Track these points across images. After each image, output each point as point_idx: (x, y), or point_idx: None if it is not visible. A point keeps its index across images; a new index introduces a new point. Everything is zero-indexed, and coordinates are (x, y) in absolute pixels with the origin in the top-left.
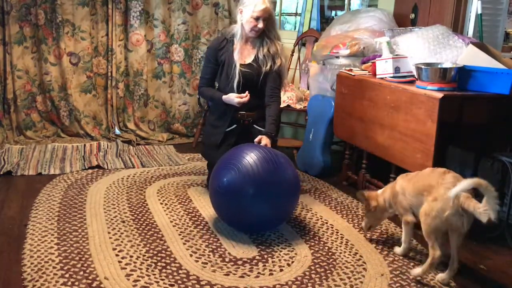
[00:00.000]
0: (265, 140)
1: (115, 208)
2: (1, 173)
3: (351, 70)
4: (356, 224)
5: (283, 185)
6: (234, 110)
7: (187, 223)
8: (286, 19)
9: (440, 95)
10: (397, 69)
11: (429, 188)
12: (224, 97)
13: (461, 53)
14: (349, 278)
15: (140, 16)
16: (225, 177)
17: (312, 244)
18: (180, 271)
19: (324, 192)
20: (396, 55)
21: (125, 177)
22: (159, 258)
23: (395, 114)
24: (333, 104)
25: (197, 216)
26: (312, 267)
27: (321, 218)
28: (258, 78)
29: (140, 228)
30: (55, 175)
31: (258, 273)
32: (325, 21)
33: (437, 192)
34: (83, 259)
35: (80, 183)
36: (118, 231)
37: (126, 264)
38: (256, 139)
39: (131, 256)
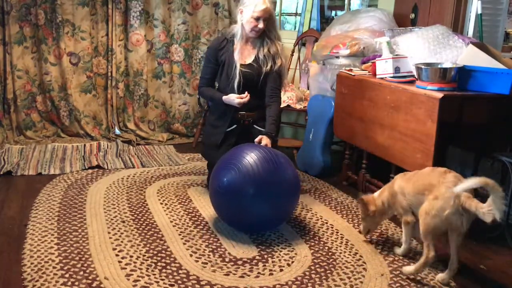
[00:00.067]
0: (265, 140)
1: (115, 208)
2: (1, 173)
3: (351, 70)
4: (356, 224)
5: (283, 185)
6: (234, 110)
7: (187, 223)
8: (286, 19)
9: (440, 95)
10: (397, 69)
11: (430, 187)
12: (224, 97)
13: (461, 53)
14: (349, 278)
15: (140, 16)
16: (225, 177)
17: (312, 244)
18: (180, 271)
19: (324, 192)
20: (396, 55)
21: (125, 177)
22: (159, 258)
23: (395, 114)
24: (333, 104)
25: (197, 216)
26: (312, 267)
27: (321, 218)
28: (258, 78)
29: (140, 228)
30: (55, 175)
31: (258, 273)
32: (325, 21)
33: (438, 191)
34: (83, 259)
35: (80, 183)
36: (118, 231)
37: (126, 264)
38: (257, 139)
39: (131, 256)
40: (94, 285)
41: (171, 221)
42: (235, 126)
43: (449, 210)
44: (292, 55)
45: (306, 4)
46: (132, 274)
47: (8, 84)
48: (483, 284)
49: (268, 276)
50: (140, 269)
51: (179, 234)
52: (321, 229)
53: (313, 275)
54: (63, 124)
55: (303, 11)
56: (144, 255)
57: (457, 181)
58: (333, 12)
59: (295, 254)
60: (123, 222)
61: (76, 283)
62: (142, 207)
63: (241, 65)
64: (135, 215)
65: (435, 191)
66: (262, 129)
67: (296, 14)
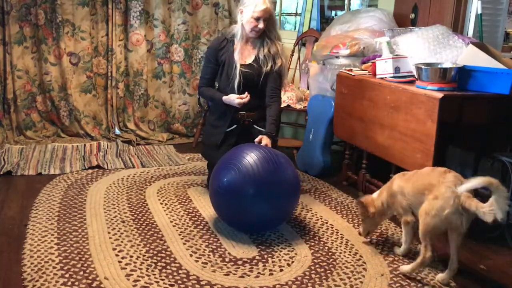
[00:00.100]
0: (265, 140)
1: (115, 208)
2: (1, 173)
3: (351, 70)
4: (356, 224)
5: (283, 185)
6: (234, 111)
7: (187, 223)
8: (286, 19)
9: (440, 95)
10: (397, 69)
11: (430, 187)
12: (224, 97)
13: (461, 53)
14: (349, 278)
15: (140, 16)
16: (225, 177)
17: (312, 244)
18: (180, 271)
19: (324, 192)
20: (396, 55)
21: (125, 177)
22: (159, 258)
23: (395, 114)
24: (333, 104)
25: (197, 216)
26: (312, 267)
27: (321, 218)
28: (258, 78)
29: (140, 228)
30: (55, 175)
31: (258, 273)
32: (325, 21)
33: (438, 190)
34: (83, 259)
35: (80, 183)
36: (118, 231)
37: (126, 264)
38: (257, 139)
39: (131, 256)
40: (94, 285)
41: (171, 221)
42: (235, 126)
43: (448, 209)
44: (292, 55)
45: (306, 4)
46: (132, 274)
47: (8, 84)
48: (483, 284)
49: (268, 276)
50: (140, 269)
51: (179, 234)
52: (321, 229)
53: (313, 275)
54: (63, 124)
55: (303, 11)
56: (144, 255)
57: (457, 181)
58: (333, 12)
59: (295, 254)
60: (123, 222)
61: (76, 283)
62: (142, 207)
63: (241, 65)
64: (135, 215)
65: (435, 191)
66: (262, 129)
67: (296, 14)
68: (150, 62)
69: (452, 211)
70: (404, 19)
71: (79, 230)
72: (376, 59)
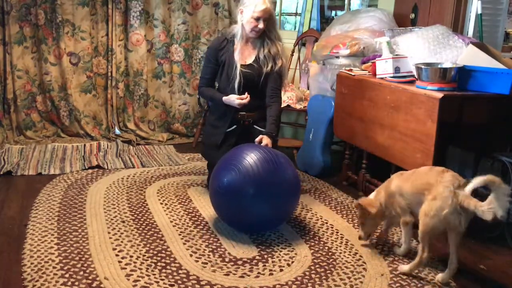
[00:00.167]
0: (266, 140)
1: (115, 208)
2: (1, 173)
3: (351, 70)
4: (356, 224)
5: (283, 185)
6: (234, 111)
7: (187, 223)
8: (286, 19)
9: (440, 95)
10: (397, 69)
11: (428, 186)
12: (224, 98)
13: (461, 53)
14: (349, 278)
15: (140, 16)
16: (225, 177)
17: (312, 244)
18: (180, 271)
19: (324, 192)
20: (396, 55)
21: (125, 177)
22: (159, 258)
23: (395, 114)
24: (333, 104)
25: (197, 216)
26: (312, 267)
27: (321, 218)
28: (259, 78)
29: (140, 228)
30: (55, 175)
31: (258, 273)
32: (325, 21)
33: (436, 190)
34: (83, 259)
35: (80, 183)
36: (118, 231)
37: (126, 264)
38: (257, 139)
39: (131, 256)
40: (94, 285)
41: (171, 221)
42: (235, 126)
43: (447, 209)
44: (292, 55)
45: (306, 4)
46: (132, 274)
47: (8, 84)
48: (483, 284)
49: (268, 276)
50: (140, 269)
51: (179, 234)
52: (321, 229)
53: (313, 275)
54: (63, 124)
55: (303, 11)
56: (144, 255)
57: (455, 180)
58: (333, 12)
59: (295, 254)
60: (123, 222)
61: (76, 283)
62: (142, 207)
63: (242, 65)
64: (135, 215)
65: (433, 191)
66: (263, 129)
67: (296, 14)
68: (150, 62)
69: (451, 211)
70: (404, 19)
71: (79, 230)
72: (376, 59)
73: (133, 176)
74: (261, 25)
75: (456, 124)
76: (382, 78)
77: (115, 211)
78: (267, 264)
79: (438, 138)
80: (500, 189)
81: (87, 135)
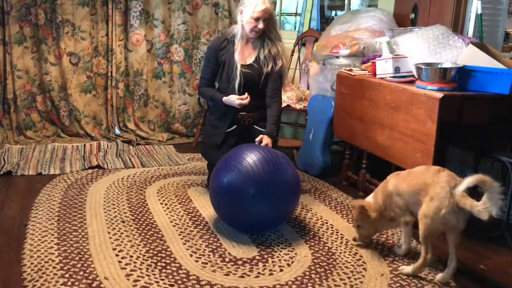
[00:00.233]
0: (266, 140)
1: (115, 208)
2: (1, 173)
3: (351, 70)
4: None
5: (283, 185)
6: (234, 111)
7: (187, 223)
8: (286, 19)
9: (440, 95)
10: (397, 69)
11: (425, 186)
12: (224, 98)
13: (461, 53)
14: (349, 278)
15: (140, 16)
16: (226, 177)
17: (312, 244)
18: (180, 271)
19: (324, 192)
20: (396, 55)
21: (125, 177)
22: (159, 258)
23: (395, 114)
24: (333, 104)
25: (197, 216)
26: (312, 267)
27: (321, 218)
28: (259, 79)
29: (140, 228)
30: (55, 175)
31: (258, 273)
32: (325, 21)
33: (433, 191)
34: (83, 259)
35: (80, 183)
36: (118, 231)
37: (126, 264)
38: (257, 139)
39: (131, 256)
40: (94, 285)
41: (171, 221)
42: (235, 126)
43: (445, 210)
44: (292, 55)
45: (306, 4)
46: (132, 274)
47: (8, 84)
48: (483, 284)
49: (268, 276)
50: (140, 269)
51: (179, 234)
52: (321, 229)
53: (313, 275)
54: (63, 124)
55: (303, 11)
56: (144, 255)
57: (451, 179)
58: (333, 12)
59: (295, 254)
60: (123, 222)
61: (76, 283)
62: (142, 207)
63: (242, 65)
64: (135, 215)
65: (430, 191)
66: (263, 130)
67: (296, 14)
68: (150, 62)
69: (448, 211)
70: (404, 19)
71: (79, 230)
72: (376, 59)
73: (133, 176)
74: (260, 25)
75: (456, 124)
76: (382, 78)
77: (115, 211)
78: (267, 264)
79: (438, 138)
80: (492, 188)
81: (87, 135)
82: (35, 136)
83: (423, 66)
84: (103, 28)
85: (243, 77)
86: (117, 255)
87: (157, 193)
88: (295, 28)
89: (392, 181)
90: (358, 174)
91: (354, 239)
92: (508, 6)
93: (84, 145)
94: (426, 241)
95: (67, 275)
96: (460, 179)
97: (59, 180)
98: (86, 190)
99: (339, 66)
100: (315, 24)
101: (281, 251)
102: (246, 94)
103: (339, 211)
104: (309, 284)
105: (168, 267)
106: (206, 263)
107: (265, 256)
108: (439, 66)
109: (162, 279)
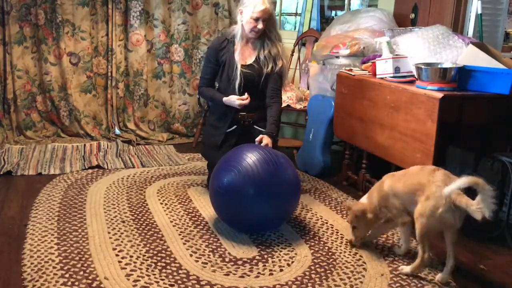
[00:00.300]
0: (266, 140)
1: (115, 208)
2: (1, 173)
3: (351, 70)
4: None
5: (283, 185)
6: (234, 111)
7: (187, 223)
8: (286, 19)
9: (440, 95)
10: (397, 69)
11: (420, 186)
12: (224, 99)
13: (461, 53)
14: (349, 278)
15: (140, 16)
16: (226, 177)
17: (312, 244)
18: (180, 271)
19: (324, 192)
20: (396, 55)
21: (125, 177)
22: (159, 258)
23: (395, 114)
24: (333, 104)
25: (197, 216)
26: (312, 267)
27: (321, 218)
28: (259, 79)
29: (140, 228)
30: (55, 175)
31: (258, 273)
32: (325, 21)
33: (429, 190)
34: (83, 259)
35: (80, 183)
36: (118, 231)
37: (126, 264)
38: (257, 139)
39: (131, 256)
40: (94, 285)
41: (171, 221)
42: (235, 126)
43: (441, 208)
44: (292, 55)
45: (306, 4)
46: (132, 274)
47: (8, 84)
48: (483, 284)
49: (268, 276)
50: (140, 269)
51: (179, 234)
52: (321, 229)
53: (313, 275)
54: (63, 124)
55: (303, 11)
56: (144, 255)
57: (446, 179)
58: (333, 12)
59: (295, 254)
60: (123, 222)
61: (76, 283)
62: (142, 207)
63: (242, 65)
64: (135, 215)
65: (426, 190)
66: (263, 130)
67: (296, 14)
68: (150, 62)
69: (445, 210)
70: (404, 19)
71: (79, 230)
72: (376, 59)
73: (133, 176)
74: (260, 26)
75: (456, 124)
76: (382, 78)
77: (115, 211)
78: (267, 264)
79: (438, 138)
80: (484, 190)
81: (87, 135)
82: (35, 136)
83: (423, 66)
84: (103, 28)
85: (243, 77)
86: (117, 255)
87: (157, 193)
88: (295, 28)
89: (388, 182)
90: (358, 174)
91: (351, 242)
92: (508, 6)
93: (84, 145)
94: (423, 240)
95: (67, 275)
96: (456, 178)
97: (59, 180)
98: (86, 190)
99: (339, 66)
100: (315, 24)
101: (281, 251)
102: (246, 94)
103: (339, 211)
104: (309, 284)
105: (168, 267)
106: (206, 263)
107: (265, 256)
108: (439, 66)
109: (162, 279)
